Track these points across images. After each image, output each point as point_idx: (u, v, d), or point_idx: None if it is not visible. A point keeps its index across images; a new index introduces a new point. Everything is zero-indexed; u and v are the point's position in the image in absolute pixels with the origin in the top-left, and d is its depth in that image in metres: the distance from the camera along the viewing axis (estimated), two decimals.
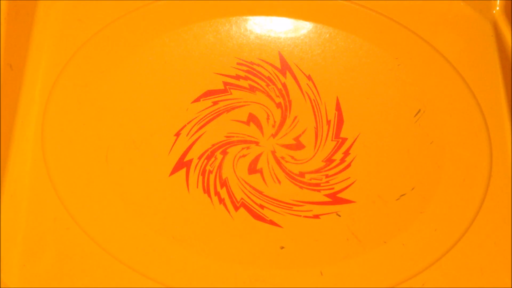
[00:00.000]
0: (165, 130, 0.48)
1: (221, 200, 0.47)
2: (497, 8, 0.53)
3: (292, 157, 0.49)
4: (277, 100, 0.50)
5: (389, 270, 0.46)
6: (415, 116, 0.50)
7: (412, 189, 0.48)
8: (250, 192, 0.48)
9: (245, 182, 0.48)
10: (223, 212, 0.47)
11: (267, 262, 0.46)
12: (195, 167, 0.48)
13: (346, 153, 0.49)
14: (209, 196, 0.47)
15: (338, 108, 0.50)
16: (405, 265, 0.46)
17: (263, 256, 0.46)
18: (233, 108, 0.50)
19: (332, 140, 0.49)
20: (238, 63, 0.50)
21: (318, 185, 0.48)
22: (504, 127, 0.50)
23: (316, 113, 0.50)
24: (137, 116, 0.49)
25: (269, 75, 0.50)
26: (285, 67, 0.51)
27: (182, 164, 0.48)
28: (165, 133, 0.48)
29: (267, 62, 0.51)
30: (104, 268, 0.45)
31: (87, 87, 0.49)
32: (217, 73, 0.50)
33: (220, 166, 0.48)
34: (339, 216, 0.47)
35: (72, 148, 0.47)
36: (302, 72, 0.51)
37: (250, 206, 0.47)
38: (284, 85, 0.50)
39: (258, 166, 0.48)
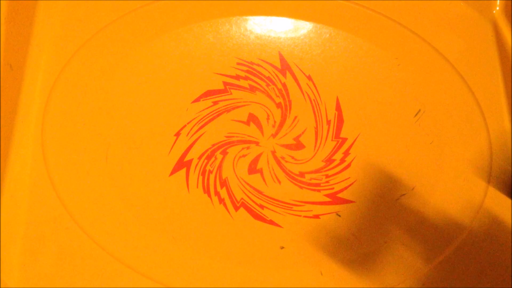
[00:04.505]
0: (165, 130, 0.48)
1: (221, 200, 0.47)
2: (497, 8, 0.53)
3: (292, 157, 0.49)
4: (277, 100, 0.50)
5: (389, 270, 0.46)
6: (415, 116, 0.50)
7: (412, 189, 0.48)
8: (250, 192, 0.48)
9: (245, 182, 0.48)
10: (223, 212, 0.47)
11: (267, 262, 0.46)
12: (195, 167, 0.48)
13: (346, 153, 0.49)
14: (209, 196, 0.47)
15: (338, 108, 0.50)
16: (405, 265, 0.46)
17: (263, 256, 0.46)
18: (233, 108, 0.50)
19: (332, 140, 0.49)
20: (238, 63, 0.50)
21: (318, 185, 0.48)
22: (504, 127, 0.50)
23: (316, 113, 0.50)
24: (137, 116, 0.49)
25: (269, 75, 0.50)
26: (285, 67, 0.51)
27: (182, 164, 0.48)
28: (165, 133, 0.48)
29: (267, 62, 0.51)
30: (104, 268, 0.45)
31: (87, 87, 0.49)
32: (217, 73, 0.50)
33: (220, 166, 0.48)
34: (339, 216, 0.47)
35: (72, 148, 0.47)
36: (302, 72, 0.51)
37: (250, 206, 0.47)
38: (284, 85, 0.50)
39: (258, 166, 0.48)
